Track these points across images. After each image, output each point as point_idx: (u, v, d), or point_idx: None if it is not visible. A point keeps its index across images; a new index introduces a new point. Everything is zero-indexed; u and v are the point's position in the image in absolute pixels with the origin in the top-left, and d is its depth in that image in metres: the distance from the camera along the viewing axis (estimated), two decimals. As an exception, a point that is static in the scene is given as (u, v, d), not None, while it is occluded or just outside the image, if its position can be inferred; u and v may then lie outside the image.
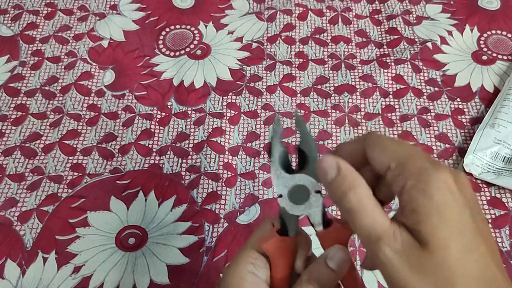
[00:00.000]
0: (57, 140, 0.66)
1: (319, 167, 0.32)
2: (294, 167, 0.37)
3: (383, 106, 0.70)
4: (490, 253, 0.27)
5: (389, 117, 0.69)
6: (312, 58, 0.76)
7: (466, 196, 0.28)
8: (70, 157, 0.65)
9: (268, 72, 0.74)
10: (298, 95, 0.72)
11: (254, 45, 0.77)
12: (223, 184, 0.63)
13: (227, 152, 0.66)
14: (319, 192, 0.35)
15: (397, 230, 0.28)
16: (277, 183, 0.36)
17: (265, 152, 0.65)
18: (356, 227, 0.30)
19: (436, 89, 0.72)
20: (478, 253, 0.27)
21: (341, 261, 0.34)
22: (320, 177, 0.32)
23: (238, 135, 0.67)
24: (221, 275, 0.56)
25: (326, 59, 0.76)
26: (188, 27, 0.80)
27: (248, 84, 0.73)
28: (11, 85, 0.72)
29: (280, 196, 0.36)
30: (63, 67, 0.74)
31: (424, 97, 0.71)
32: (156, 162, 0.65)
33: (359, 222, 0.29)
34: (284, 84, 0.73)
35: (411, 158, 0.29)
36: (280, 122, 0.37)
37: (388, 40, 0.78)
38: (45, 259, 0.57)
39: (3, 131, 0.67)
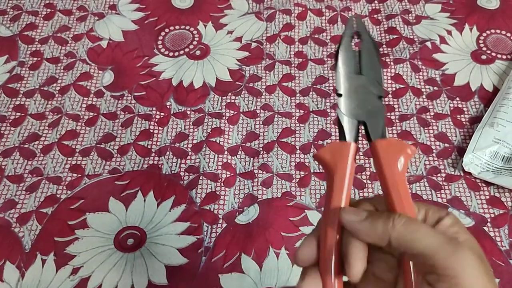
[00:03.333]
0: (56, 140, 0.66)
1: (344, 213, 0.31)
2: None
3: (382, 106, 0.70)
4: None
5: (388, 116, 0.69)
6: (312, 57, 0.76)
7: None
8: (69, 158, 0.65)
9: (267, 72, 0.74)
10: (298, 95, 0.71)
11: (253, 45, 0.77)
12: (222, 184, 0.63)
13: (226, 152, 0.66)
14: (381, 97, 0.33)
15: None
16: (338, 80, 0.34)
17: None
18: (420, 241, 0.29)
19: (435, 88, 0.72)
20: None
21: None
22: (351, 218, 0.31)
23: (237, 135, 0.67)
24: (219, 276, 0.56)
25: (325, 59, 0.76)
26: (187, 27, 0.80)
27: (247, 84, 0.72)
28: (10, 85, 0.72)
29: (340, 95, 0.34)
30: (62, 67, 0.74)
31: (424, 96, 0.71)
32: (155, 162, 0.65)
33: (421, 234, 0.29)
34: (284, 84, 0.73)
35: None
36: (352, 24, 0.35)
37: (388, 40, 0.78)
38: (43, 261, 0.57)
39: (2, 132, 0.67)
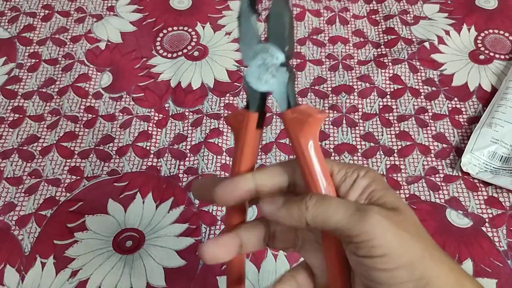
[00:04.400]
0: (55, 142, 0.66)
1: (263, 204, 0.32)
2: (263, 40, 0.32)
3: (381, 106, 0.70)
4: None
5: (387, 117, 0.69)
6: (310, 58, 0.76)
7: None
8: (68, 160, 0.65)
9: (265, 73, 0.74)
10: (296, 95, 0.71)
11: (251, 45, 0.77)
12: (221, 186, 0.63)
13: (224, 153, 0.66)
14: (284, 65, 0.31)
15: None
16: (244, 52, 0.32)
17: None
18: (332, 217, 0.29)
19: (433, 89, 0.72)
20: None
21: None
22: (268, 208, 0.32)
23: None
24: (217, 278, 0.56)
25: (323, 60, 0.76)
26: (186, 28, 0.80)
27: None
28: (8, 87, 0.72)
29: (246, 66, 0.32)
30: (60, 69, 0.74)
31: (422, 97, 0.71)
32: (154, 164, 0.65)
33: (332, 210, 0.30)
34: (282, 85, 0.73)
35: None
36: None
37: (386, 40, 0.78)
38: (43, 264, 0.57)
39: (0, 133, 0.67)
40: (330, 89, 0.72)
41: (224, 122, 0.33)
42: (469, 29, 0.79)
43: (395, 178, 0.63)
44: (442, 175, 0.64)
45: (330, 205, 0.30)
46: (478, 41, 0.77)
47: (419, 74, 0.74)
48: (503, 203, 0.61)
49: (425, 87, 0.72)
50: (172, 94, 0.72)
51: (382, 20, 0.81)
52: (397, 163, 0.65)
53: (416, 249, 0.29)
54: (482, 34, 0.78)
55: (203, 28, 0.80)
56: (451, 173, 0.64)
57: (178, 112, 0.70)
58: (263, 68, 0.32)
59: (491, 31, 0.79)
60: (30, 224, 0.60)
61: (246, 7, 0.32)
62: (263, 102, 0.33)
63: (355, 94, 0.71)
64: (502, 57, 0.75)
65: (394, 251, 0.28)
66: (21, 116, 0.69)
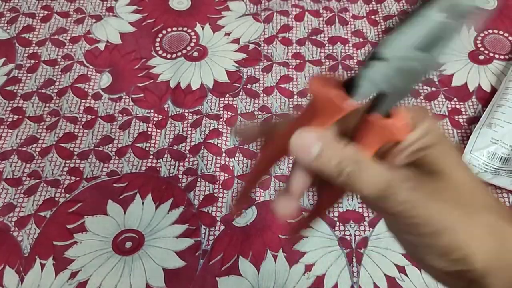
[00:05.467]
0: (54, 143, 0.66)
1: (294, 144, 0.29)
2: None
3: (380, 107, 0.70)
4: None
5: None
6: (309, 59, 0.76)
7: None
8: (67, 161, 0.65)
9: (265, 73, 0.74)
10: (295, 96, 0.71)
11: (251, 46, 0.77)
12: (220, 186, 0.63)
13: (224, 154, 0.66)
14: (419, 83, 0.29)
15: (402, 171, 0.29)
16: (392, 43, 0.26)
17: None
18: (362, 187, 0.28)
19: (433, 89, 0.72)
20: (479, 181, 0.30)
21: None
22: (299, 154, 0.30)
23: (235, 137, 0.67)
24: (217, 279, 0.56)
25: (323, 60, 0.76)
26: (185, 29, 0.79)
27: (245, 86, 0.72)
28: (7, 88, 0.72)
29: (382, 59, 0.26)
30: (59, 70, 0.74)
31: (421, 97, 0.71)
32: (153, 165, 0.65)
33: (364, 179, 0.28)
34: (281, 85, 0.73)
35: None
36: None
37: (385, 40, 0.78)
38: (42, 265, 0.57)
39: None
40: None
41: (309, 86, 0.27)
42: (468, 29, 0.79)
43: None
44: (441, 176, 0.64)
45: (362, 179, 0.28)
46: (478, 41, 0.77)
47: (418, 74, 0.73)
48: (503, 203, 0.61)
49: (424, 87, 0.72)
50: (171, 94, 0.72)
51: (381, 21, 0.81)
52: (396, 163, 0.65)
53: (451, 217, 0.28)
54: (482, 34, 0.78)
55: (203, 29, 0.79)
56: (450, 174, 0.64)
57: (178, 112, 0.70)
58: (398, 76, 0.27)
59: (490, 31, 0.79)
60: (30, 225, 0.60)
61: (434, 7, 0.25)
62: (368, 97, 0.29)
63: (355, 94, 0.71)
64: (502, 57, 0.75)
65: (426, 221, 0.28)
66: (20, 117, 0.69)
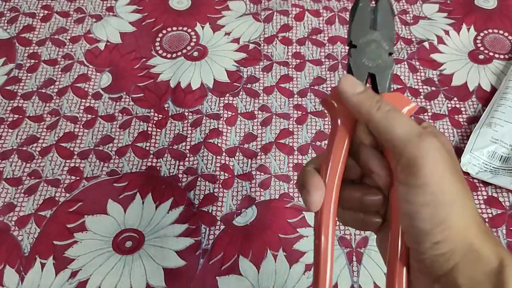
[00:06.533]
0: (54, 142, 0.66)
1: (343, 80, 0.33)
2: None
3: (380, 106, 0.70)
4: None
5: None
6: (309, 58, 0.76)
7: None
8: (67, 160, 0.65)
9: (265, 73, 0.74)
10: (295, 96, 0.72)
11: (251, 46, 0.77)
12: (220, 186, 0.63)
13: (224, 154, 0.66)
14: (391, 54, 0.35)
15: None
16: (353, 32, 0.35)
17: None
18: (396, 128, 0.31)
19: (433, 88, 0.72)
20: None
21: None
22: (347, 88, 0.33)
23: (235, 136, 0.67)
24: (217, 278, 0.56)
25: (323, 60, 0.76)
26: (185, 28, 0.80)
27: (245, 85, 0.73)
28: (7, 88, 0.72)
29: (354, 46, 0.35)
30: (59, 69, 0.74)
31: (421, 96, 0.71)
32: (153, 164, 0.65)
33: (399, 122, 0.31)
34: (281, 85, 0.73)
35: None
36: None
37: (385, 40, 0.78)
38: (43, 265, 0.57)
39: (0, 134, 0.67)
40: (329, 89, 0.72)
41: (321, 104, 0.36)
42: (468, 29, 0.79)
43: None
44: (441, 175, 0.64)
45: (399, 119, 0.31)
46: (478, 41, 0.77)
47: (418, 74, 0.74)
48: (502, 203, 0.61)
49: (424, 87, 0.72)
50: (171, 94, 0.72)
51: (381, 20, 0.80)
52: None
53: (458, 193, 0.30)
54: (482, 34, 0.78)
55: (203, 28, 0.80)
56: (450, 173, 0.64)
57: (178, 112, 0.70)
58: (372, 53, 0.35)
59: (490, 30, 0.79)
60: (30, 225, 0.60)
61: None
62: (365, 84, 0.35)
63: (355, 94, 0.71)
64: (502, 56, 0.75)
65: (436, 186, 0.29)
66: (20, 116, 0.69)
